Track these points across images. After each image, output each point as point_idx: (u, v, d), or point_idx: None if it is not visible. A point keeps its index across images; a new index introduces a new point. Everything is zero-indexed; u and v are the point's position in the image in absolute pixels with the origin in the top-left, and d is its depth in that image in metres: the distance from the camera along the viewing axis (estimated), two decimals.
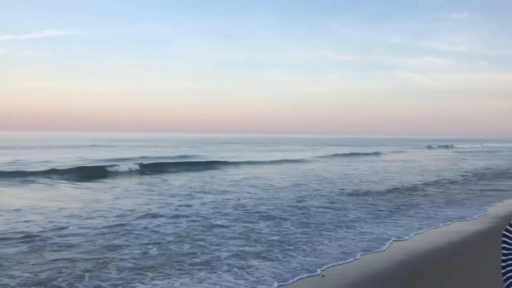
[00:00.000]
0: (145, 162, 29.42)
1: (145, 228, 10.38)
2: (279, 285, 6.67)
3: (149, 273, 7.08)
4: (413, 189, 18.67)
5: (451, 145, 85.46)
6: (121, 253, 8.20)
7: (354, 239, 9.57)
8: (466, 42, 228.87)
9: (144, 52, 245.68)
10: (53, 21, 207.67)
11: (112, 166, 25.69)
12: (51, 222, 10.80)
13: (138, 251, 8.32)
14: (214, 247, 8.70)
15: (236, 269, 7.35)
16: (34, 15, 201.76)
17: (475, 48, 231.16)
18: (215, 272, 7.17)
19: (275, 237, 9.62)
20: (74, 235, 9.57)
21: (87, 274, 7.00)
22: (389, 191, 17.89)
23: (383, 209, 13.55)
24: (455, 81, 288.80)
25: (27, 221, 10.77)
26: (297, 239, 9.46)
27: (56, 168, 23.96)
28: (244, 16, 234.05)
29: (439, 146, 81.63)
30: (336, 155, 45.61)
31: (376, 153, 51.38)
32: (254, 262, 7.75)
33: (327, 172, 26.61)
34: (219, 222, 11.11)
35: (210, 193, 16.53)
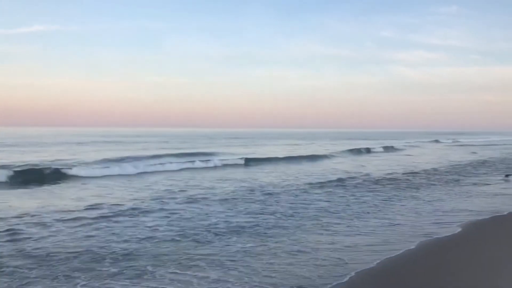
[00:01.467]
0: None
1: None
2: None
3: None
4: None
5: (454, 139, 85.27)
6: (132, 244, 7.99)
7: None
8: (456, 36, 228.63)
9: (137, 48, 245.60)
10: (42, 16, 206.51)
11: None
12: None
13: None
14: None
15: None
16: (23, 9, 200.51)
17: (466, 41, 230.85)
18: None
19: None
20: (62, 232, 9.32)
21: (80, 272, 6.75)
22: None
23: None
24: (446, 75, 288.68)
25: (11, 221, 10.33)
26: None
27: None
28: (237, 12, 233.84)
29: (453, 140, 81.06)
30: (354, 150, 43.75)
31: (392, 147, 50.34)
32: None
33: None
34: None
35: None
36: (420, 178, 19.99)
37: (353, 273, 6.75)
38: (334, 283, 6.35)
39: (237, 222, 10.34)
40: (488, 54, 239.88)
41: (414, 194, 15.21)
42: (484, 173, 22.29)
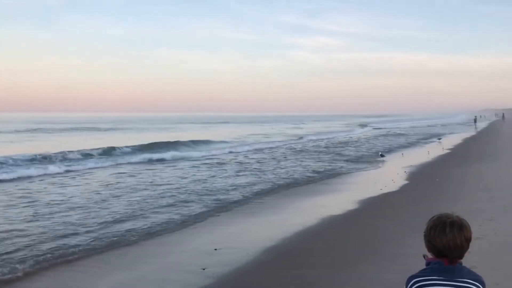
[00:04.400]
0: None
1: None
2: None
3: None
4: None
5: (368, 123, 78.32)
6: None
7: None
8: (355, 23, 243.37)
9: (27, 26, 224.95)
10: None
11: None
12: None
13: None
14: None
15: None
16: None
17: (364, 29, 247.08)
18: None
19: None
20: None
21: None
22: None
23: None
24: (346, 60, 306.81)
25: None
26: None
27: None
28: None
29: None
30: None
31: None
32: None
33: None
34: None
35: None
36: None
37: (261, 250, 7.32)
38: (244, 261, 6.82)
39: None
40: (386, 41, 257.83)
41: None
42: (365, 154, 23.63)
